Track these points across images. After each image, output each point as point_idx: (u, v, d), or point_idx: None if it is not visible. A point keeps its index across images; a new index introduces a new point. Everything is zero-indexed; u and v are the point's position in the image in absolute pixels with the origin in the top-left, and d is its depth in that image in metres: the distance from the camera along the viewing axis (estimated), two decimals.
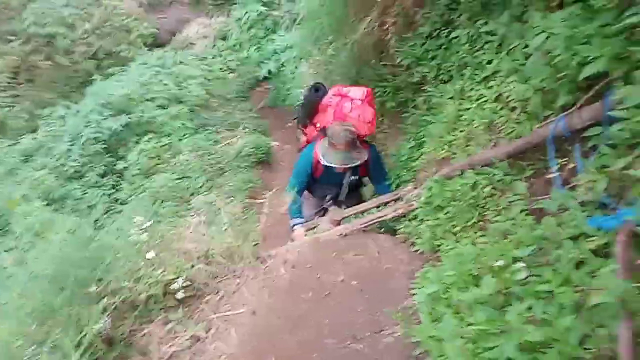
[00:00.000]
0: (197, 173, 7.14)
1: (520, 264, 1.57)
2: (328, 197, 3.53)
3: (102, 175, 7.49)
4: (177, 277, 2.38)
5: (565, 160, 1.87)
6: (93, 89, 8.95)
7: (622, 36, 1.41)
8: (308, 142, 3.70)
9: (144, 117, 7.90)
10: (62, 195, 7.15)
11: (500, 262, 1.61)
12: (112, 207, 6.38)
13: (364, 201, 3.57)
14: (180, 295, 2.38)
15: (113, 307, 2.32)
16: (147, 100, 8.42)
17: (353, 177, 3.46)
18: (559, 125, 1.81)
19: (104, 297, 2.33)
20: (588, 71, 1.46)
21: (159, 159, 7.54)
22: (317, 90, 3.40)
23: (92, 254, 2.46)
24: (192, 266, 2.52)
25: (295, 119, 4.23)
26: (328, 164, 3.21)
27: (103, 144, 7.59)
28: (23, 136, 8.68)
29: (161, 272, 2.37)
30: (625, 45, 1.37)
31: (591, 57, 1.43)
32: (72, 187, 7.28)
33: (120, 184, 7.36)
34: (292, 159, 6.41)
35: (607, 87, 1.58)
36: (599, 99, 1.66)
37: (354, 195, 3.70)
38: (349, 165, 3.24)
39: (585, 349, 1.21)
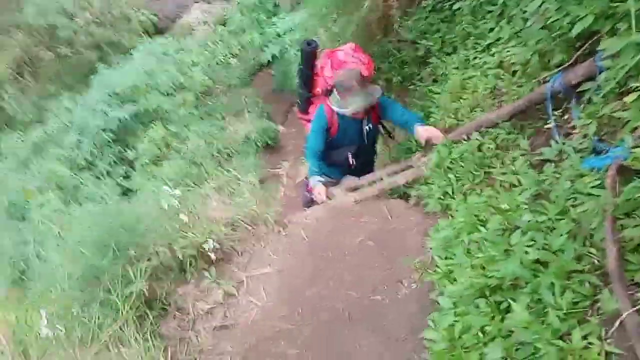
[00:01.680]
0: (207, 159, 7.28)
1: (524, 206, 1.77)
2: (350, 156, 3.50)
3: (113, 165, 7.68)
4: (208, 239, 2.59)
5: (562, 113, 2.05)
6: (98, 80, 9.05)
7: None
8: None
9: (150, 106, 8.02)
10: (75, 186, 7.32)
11: (505, 206, 1.81)
12: (124, 197, 6.56)
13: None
14: (212, 255, 2.59)
15: (151, 268, 2.54)
16: (152, 88, 8.53)
17: (368, 127, 3.45)
18: (556, 82, 1.99)
19: (142, 261, 2.54)
20: (578, 28, 1.63)
21: (167, 147, 7.70)
22: (310, 44, 3.41)
23: (127, 221, 2.67)
24: (220, 230, 2.73)
25: (297, 103, 4.22)
26: (355, 110, 3.18)
27: (112, 133, 7.74)
28: (32, 129, 8.84)
29: (193, 234, 2.58)
30: (610, 2, 1.54)
31: (580, 16, 1.60)
32: (84, 177, 7.44)
33: (131, 173, 7.53)
34: (298, 143, 6.54)
35: (598, 43, 1.76)
36: (592, 56, 1.84)
37: (372, 151, 3.73)
38: (371, 103, 3.22)
39: (580, 265, 1.42)
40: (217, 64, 10.06)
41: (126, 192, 7.10)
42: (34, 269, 2.92)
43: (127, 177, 7.56)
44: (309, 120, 3.75)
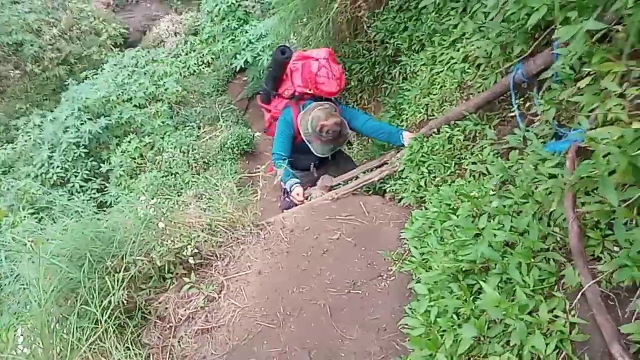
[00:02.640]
0: (183, 169, 7.23)
1: (491, 192, 1.83)
2: (312, 166, 3.66)
3: (87, 180, 7.53)
4: (187, 245, 2.58)
5: (524, 102, 2.14)
6: (68, 95, 8.90)
7: None
8: (274, 118, 3.75)
9: (123, 118, 7.90)
10: (48, 203, 7.15)
11: (474, 193, 1.87)
12: (100, 211, 6.44)
13: (350, 159, 3.81)
14: (191, 261, 2.58)
15: (129, 278, 2.51)
16: (125, 101, 8.43)
17: None
18: (517, 72, 2.07)
19: (119, 271, 2.51)
20: (533, 19, 1.71)
21: (142, 159, 7.60)
22: (284, 53, 3.43)
23: (102, 233, 2.64)
24: (198, 236, 2.72)
25: (252, 96, 4.22)
26: (319, 155, 3.43)
27: (84, 148, 7.59)
28: (0, 148, 8.63)
29: (171, 241, 2.56)
30: None
31: (535, 8, 1.67)
32: (58, 194, 7.26)
33: (106, 187, 7.40)
34: None
35: (554, 33, 1.84)
36: (549, 46, 1.92)
37: (336, 157, 3.83)
38: (336, 150, 3.50)
39: (545, 244, 1.48)
40: (190, 73, 10.04)
41: (102, 206, 6.97)
42: (7, 288, 2.84)
43: (102, 190, 7.44)
44: (269, 110, 3.82)
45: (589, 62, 1.51)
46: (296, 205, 3.41)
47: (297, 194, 3.35)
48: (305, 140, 3.38)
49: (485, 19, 2.45)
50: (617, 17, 1.48)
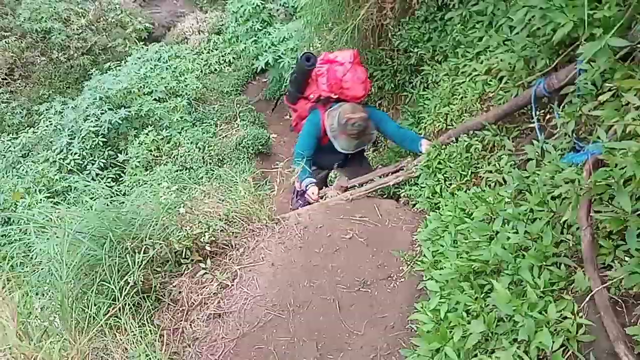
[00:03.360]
0: (198, 164, 7.34)
1: (507, 199, 1.88)
2: (335, 165, 3.72)
3: (103, 168, 7.67)
4: (205, 232, 2.66)
5: (544, 114, 2.19)
6: (91, 84, 9.06)
7: (589, 4, 1.71)
8: (300, 117, 3.81)
9: (143, 111, 8.03)
10: (64, 188, 7.30)
11: (490, 198, 1.92)
12: (115, 199, 6.56)
13: (368, 163, 3.85)
14: (208, 248, 2.66)
15: (147, 260, 2.59)
16: (145, 93, 8.58)
17: None
18: (539, 86, 2.13)
19: (138, 252, 2.59)
20: (559, 35, 1.76)
21: (158, 152, 7.72)
22: (308, 60, 3.46)
23: (124, 215, 2.73)
24: (216, 225, 2.80)
25: (278, 99, 4.29)
26: (343, 151, 3.45)
27: (103, 137, 7.72)
28: (22, 131, 8.82)
29: (190, 227, 2.64)
30: (589, 10, 1.67)
31: (561, 24, 1.73)
32: (74, 180, 7.40)
33: (122, 177, 7.52)
34: (290, 151, 6.65)
35: (578, 48, 1.89)
36: (572, 61, 1.98)
37: (359, 158, 3.87)
38: (362, 147, 3.54)
39: (557, 249, 1.53)
40: (210, 71, 10.21)
41: (116, 196, 7.05)
42: (29, 262, 2.94)
43: (117, 180, 7.56)
44: (295, 110, 3.88)
45: (611, 78, 1.57)
46: (310, 204, 3.47)
47: (313, 193, 3.42)
48: (331, 137, 3.41)
49: (511, 33, 2.51)
50: None
